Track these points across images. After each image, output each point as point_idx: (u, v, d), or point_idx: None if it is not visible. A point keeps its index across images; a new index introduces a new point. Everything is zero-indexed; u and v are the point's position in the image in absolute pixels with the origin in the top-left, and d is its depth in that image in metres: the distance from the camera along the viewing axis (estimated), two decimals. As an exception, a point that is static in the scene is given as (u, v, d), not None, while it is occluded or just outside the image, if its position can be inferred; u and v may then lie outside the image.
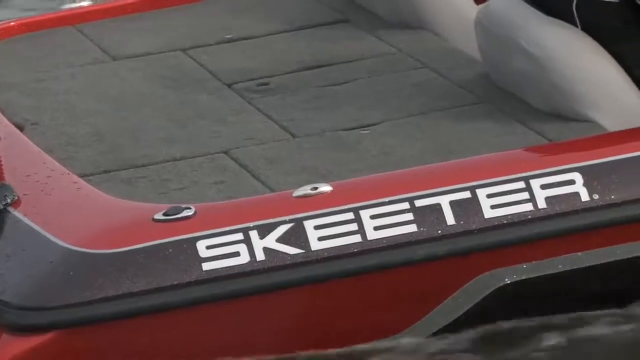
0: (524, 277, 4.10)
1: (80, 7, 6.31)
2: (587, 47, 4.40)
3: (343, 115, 4.59)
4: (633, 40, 4.38)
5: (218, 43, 5.33)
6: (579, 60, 4.39)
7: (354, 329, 4.15)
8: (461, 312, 4.12)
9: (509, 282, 4.09)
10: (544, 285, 4.14)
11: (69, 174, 4.27)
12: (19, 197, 4.05)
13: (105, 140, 4.52)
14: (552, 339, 4.42)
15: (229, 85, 4.88)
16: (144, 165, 4.35)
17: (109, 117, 4.74)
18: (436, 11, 5.20)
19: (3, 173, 4.37)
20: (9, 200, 4.01)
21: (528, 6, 4.51)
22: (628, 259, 4.24)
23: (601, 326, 4.37)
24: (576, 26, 4.40)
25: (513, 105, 4.58)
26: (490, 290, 4.07)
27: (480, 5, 4.86)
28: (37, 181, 4.22)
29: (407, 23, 5.25)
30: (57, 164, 4.34)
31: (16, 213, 4.03)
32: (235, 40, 5.35)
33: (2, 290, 3.92)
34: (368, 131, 4.46)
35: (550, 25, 4.47)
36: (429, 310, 4.08)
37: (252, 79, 4.92)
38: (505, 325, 4.37)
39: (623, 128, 4.32)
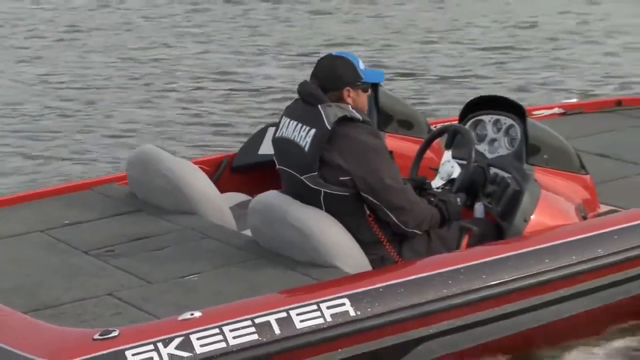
0: None
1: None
2: (330, 222, 4.87)
3: (173, 268, 4.88)
4: (356, 217, 4.89)
5: (62, 226, 5.42)
6: (326, 230, 4.84)
7: None
8: None
9: None
10: None
11: (17, 312, 4.39)
12: None
13: (21, 291, 4.65)
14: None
15: (86, 252, 5.09)
16: (59, 305, 4.52)
17: (14, 277, 4.84)
18: (200, 202, 5.50)
19: None
20: None
21: (290, 198, 4.98)
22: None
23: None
24: (322, 209, 4.90)
25: (282, 259, 4.93)
26: None
27: (255, 198, 5.19)
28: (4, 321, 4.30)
29: (182, 210, 5.50)
30: (4, 307, 4.42)
31: None
32: (72, 224, 5.45)
33: None
34: (196, 277, 4.78)
35: (307, 208, 4.90)
36: None
37: (99, 248, 5.12)
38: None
39: (354, 271, 4.77)
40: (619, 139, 6.89)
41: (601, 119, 7.39)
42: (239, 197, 5.98)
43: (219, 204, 5.55)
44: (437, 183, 5.43)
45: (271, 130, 6.19)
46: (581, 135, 6.33)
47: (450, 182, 5.39)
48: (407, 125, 6.11)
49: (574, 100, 8.04)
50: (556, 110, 7.34)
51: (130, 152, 6.11)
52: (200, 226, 5.36)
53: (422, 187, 5.32)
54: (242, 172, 6.27)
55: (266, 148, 6.20)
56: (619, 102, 7.75)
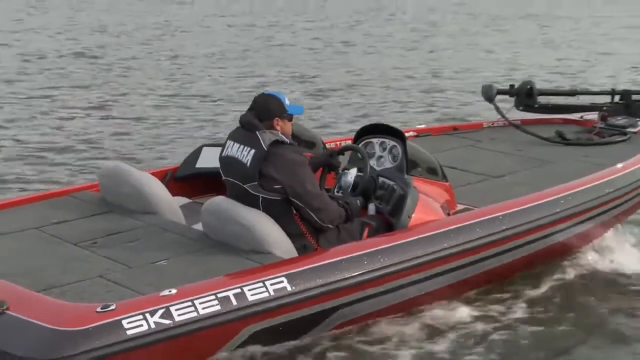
0: (265, 327, 4.54)
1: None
2: (267, 220, 4.91)
3: (146, 255, 4.85)
4: (286, 216, 4.94)
5: (51, 224, 5.29)
6: (264, 226, 4.88)
7: None
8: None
9: (257, 330, 4.52)
10: (278, 327, 4.59)
11: (31, 291, 4.32)
12: (8, 306, 4.12)
13: (30, 275, 4.56)
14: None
15: (75, 244, 5.00)
16: (62, 285, 4.47)
17: (21, 264, 4.73)
18: (159, 204, 5.46)
19: None
20: (5, 307, 4.12)
21: (235, 201, 4.98)
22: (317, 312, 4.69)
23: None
24: (260, 210, 4.94)
25: (230, 248, 4.92)
26: (248, 335, 4.52)
27: (207, 201, 5.12)
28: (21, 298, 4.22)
29: (145, 211, 5.43)
30: (20, 287, 4.34)
31: (13, 313, 4.11)
32: (59, 223, 5.32)
33: (19, 351, 4.00)
34: (165, 262, 4.78)
35: (249, 209, 4.93)
36: (220, 347, 4.47)
37: (85, 241, 5.03)
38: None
39: (285, 257, 4.81)
40: (460, 155, 7.02)
41: (444, 140, 7.47)
42: (183, 200, 5.94)
43: (172, 205, 5.53)
44: (340, 187, 5.50)
45: (205, 149, 6.29)
46: (432, 153, 6.50)
47: (351, 189, 5.41)
48: (310, 145, 6.12)
49: (423, 126, 8.06)
50: (411, 133, 7.39)
51: (102, 166, 5.95)
52: (161, 222, 5.32)
53: (330, 165, 5.49)
54: (184, 181, 6.21)
55: (202, 162, 6.21)
56: (455, 128, 7.87)
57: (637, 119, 7.63)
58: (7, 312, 4.11)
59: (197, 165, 6.22)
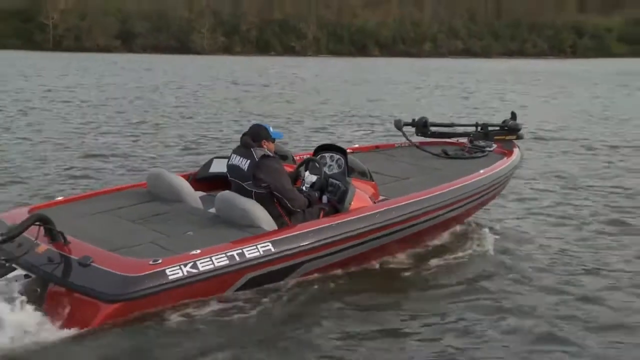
0: (257, 274, 4.64)
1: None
2: (258, 206, 4.98)
3: (178, 229, 4.86)
4: (270, 204, 5.02)
5: (117, 208, 5.28)
6: (256, 210, 4.96)
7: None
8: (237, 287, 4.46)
9: (253, 276, 4.62)
10: (266, 275, 4.67)
11: (107, 251, 4.39)
12: (93, 259, 4.22)
13: (105, 241, 4.60)
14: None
15: (133, 222, 5.04)
16: (127, 247, 4.56)
17: (100, 234, 4.75)
18: (186, 196, 5.47)
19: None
20: (91, 261, 4.18)
21: (237, 194, 5.04)
22: (287, 266, 4.72)
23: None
24: (253, 199, 5.02)
25: (234, 224, 4.95)
26: (246, 280, 4.61)
27: (220, 193, 5.11)
28: (101, 255, 4.35)
29: (176, 200, 5.43)
30: (100, 249, 4.42)
31: (96, 265, 4.22)
32: (122, 208, 5.31)
33: (100, 288, 4.15)
34: (192, 233, 4.81)
35: (246, 199, 4.97)
36: (228, 287, 4.49)
37: (140, 219, 5.05)
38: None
39: (269, 230, 4.85)
40: (381, 165, 7.09)
41: (370, 155, 7.55)
42: (200, 193, 5.95)
43: (194, 196, 5.56)
44: (304, 185, 5.60)
45: (216, 160, 6.31)
46: (363, 163, 6.58)
47: (311, 186, 5.58)
48: (283, 157, 6.18)
49: (356, 145, 8.13)
50: (348, 150, 7.36)
51: (149, 171, 5.98)
52: (187, 208, 5.35)
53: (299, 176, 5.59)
54: (201, 181, 6.23)
55: (213, 169, 6.24)
56: (377, 147, 7.93)
57: (492, 142, 7.83)
58: (92, 264, 4.24)
59: (210, 171, 6.28)
